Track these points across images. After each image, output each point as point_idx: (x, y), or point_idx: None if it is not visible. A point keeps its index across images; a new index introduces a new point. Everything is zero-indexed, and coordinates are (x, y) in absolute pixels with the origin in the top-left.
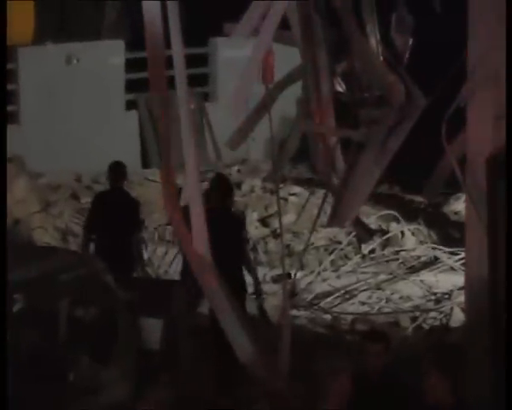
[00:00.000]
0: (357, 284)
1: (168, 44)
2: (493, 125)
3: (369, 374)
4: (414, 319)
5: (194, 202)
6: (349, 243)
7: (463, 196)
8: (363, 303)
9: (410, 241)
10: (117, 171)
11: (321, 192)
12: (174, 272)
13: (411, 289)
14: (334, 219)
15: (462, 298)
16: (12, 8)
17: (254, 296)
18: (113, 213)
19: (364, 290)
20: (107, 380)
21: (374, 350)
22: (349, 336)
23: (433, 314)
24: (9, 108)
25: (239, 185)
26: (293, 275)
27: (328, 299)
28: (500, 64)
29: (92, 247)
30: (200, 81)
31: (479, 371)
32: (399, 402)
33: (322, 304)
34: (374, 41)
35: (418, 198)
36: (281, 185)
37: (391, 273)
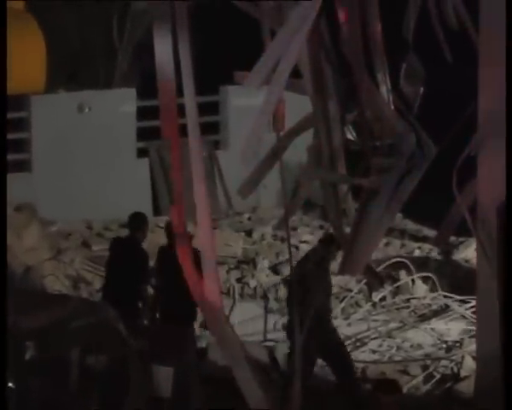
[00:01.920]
0: (368, 332)
1: (180, 92)
2: (504, 172)
3: None
4: (425, 368)
5: (205, 248)
6: (360, 291)
7: (474, 244)
8: (373, 351)
9: (420, 289)
10: (134, 221)
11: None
12: None
13: (422, 337)
14: (345, 267)
15: (473, 346)
16: (24, 57)
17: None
18: (122, 262)
19: (375, 338)
20: None
21: (387, 400)
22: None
23: (444, 363)
24: (21, 155)
25: (250, 233)
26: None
27: None
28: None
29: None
30: (211, 129)
31: None
32: None
33: None
34: (384, 90)
35: (428, 246)
36: (292, 233)
37: (401, 321)
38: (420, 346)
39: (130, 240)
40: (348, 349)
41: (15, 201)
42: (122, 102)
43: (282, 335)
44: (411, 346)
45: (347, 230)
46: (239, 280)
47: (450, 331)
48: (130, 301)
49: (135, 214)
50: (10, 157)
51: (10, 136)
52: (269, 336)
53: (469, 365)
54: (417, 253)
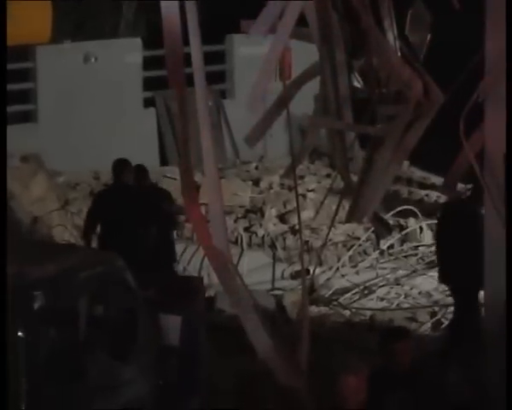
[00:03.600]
0: (376, 280)
1: (185, 42)
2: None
3: (394, 371)
4: (433, 315)
5: (212, 198)
6: (367, 239)
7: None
8: (381, 299)
9: (428, 236)
10: (117, 168)
11: (339, 188)
12: (193, 268)
13: (430, 284)
14: (353, 215)
15: (480, 293)
16: (30, 7)
17: None
18: (117, 210)
19: (383, 286)
20: (127, 377)
21: (399, 347)
22: (368, 332)
23: (451, 309)
24: (28, 106)
25: (257, 182)
26: (311, 271)
27: (347, 295)
28: None
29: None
30: (218, 78)
31: (496, 364)
32: (423, 398)
33: (340, 300)
34: (391, 37)
35: (436, 193)
36: (299, 182)
37: (409, 269)
38: (428, 293)
39: (122, 187)
40: None
41: (22, 151)
42: (128, 52)
43: (289, 283)
44: (419, 293)
45: (354, 178)
46: (247, 229)
47: None
48: (133, 249)
49: (117, 161)
50: (16, 108)
51: (16, 86)
52: (276, 284)
53: None
54: (425, 200)
